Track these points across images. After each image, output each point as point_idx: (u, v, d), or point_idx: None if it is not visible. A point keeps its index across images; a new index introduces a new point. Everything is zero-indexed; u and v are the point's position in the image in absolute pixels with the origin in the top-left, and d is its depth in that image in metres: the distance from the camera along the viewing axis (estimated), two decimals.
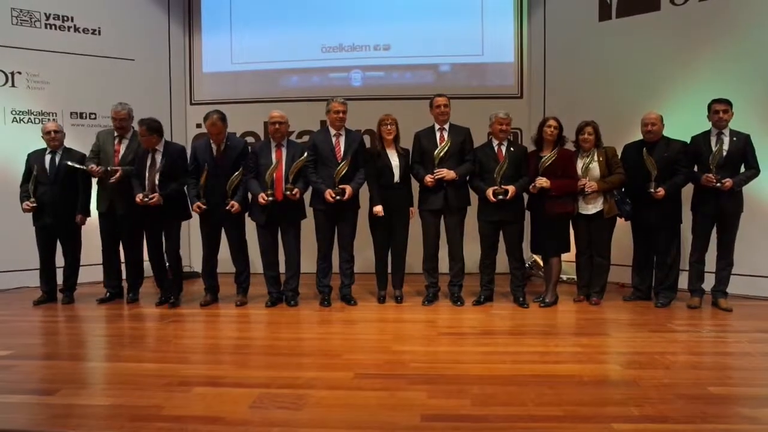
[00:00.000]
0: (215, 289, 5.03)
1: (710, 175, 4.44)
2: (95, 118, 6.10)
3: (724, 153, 4.50)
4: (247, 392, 2.88)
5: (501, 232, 4.81)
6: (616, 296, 5.11)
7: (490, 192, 4.62)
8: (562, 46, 6.27)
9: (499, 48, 6.67)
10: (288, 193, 4.63)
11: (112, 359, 3.54)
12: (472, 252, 5.06)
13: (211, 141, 4.83)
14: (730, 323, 4.31)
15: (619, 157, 4.81)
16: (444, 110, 4.81)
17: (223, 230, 4.92)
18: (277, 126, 4.68)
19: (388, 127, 4.82)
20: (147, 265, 5.10)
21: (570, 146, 4.86)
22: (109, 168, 4.90)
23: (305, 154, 4.72)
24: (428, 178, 4.72)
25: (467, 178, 4.85)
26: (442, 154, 4.73)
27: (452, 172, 4.70)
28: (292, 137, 6.47)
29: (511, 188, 4.60)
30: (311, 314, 4.62)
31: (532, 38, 6.53)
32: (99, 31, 6.18)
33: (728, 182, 4.42)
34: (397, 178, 4.82)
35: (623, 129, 5.31)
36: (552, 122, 4.70)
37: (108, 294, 5.14)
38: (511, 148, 4.74)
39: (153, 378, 3.11)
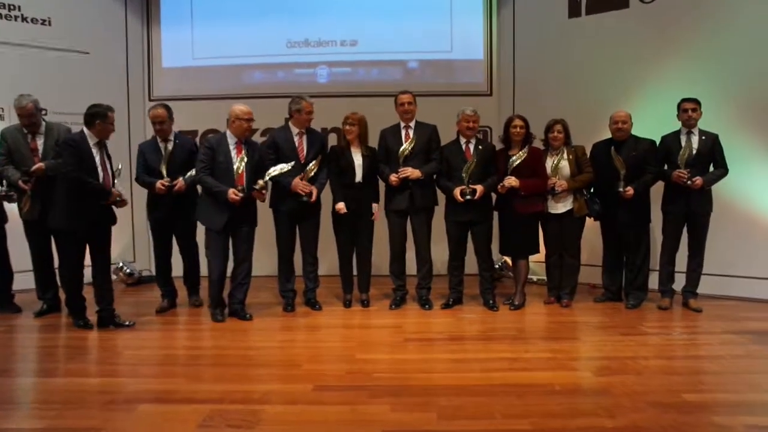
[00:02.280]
0: (172, 294, 4.78)
1: (682, 170, 4.38)
2: (45, 114, 5.76)
3: (694, 152, 4.45)
4: (198, 409, 2.68)
5: (469, 233, 4.67)
6: (587, 297, 5.03)
7: (457, 191, 4.48)
8: (532, 43, 6.16)
9: (468, 45, 6.53)
10: (256, 188, 4.27)
11: (51, 374, 3.28)
12: (440, 253, 4.93)
13: (158, 140, 4.59)
14: (701, 324, 4.25)
15: (588, 155, 4.72)
16: (408, 108, 4.65)
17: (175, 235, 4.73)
18: (248, 124, 4.38)
19: (347, 126, 4.65)
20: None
21: (538, 144, 4.76)
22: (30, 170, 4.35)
23: (292, 163, 4.39)
24: (393, 178, 4.56)
25: (434, 177, 4.70)
26: (407, 152, 4.58)
27: (417, 171, 4.55)
28: (256, 135, 6.31)
29: (479, 187, 4.46)
30: (273, 321, 4.41)
31: (502, 35, 6.41)
32: (49, 22, 5.85)
33: (698, 180, 4.37)
34: (359, 177, 4.63)
35: (592, 127, 5.22)
36: (517, 122, 4.58)
37: (44, 306, 4.60)
38: (480, 146, 4.61)
39: (95, 395, 2.88)
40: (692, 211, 4.48)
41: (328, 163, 4.69)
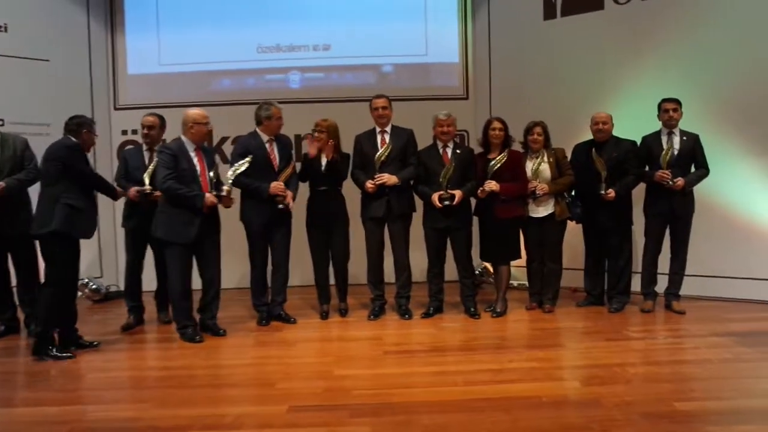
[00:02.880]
0: (140, 310, 4.55)
1: (665, 171, 4.32)
2: (2, 125, 5.50)
3: (675, 152, 4.39)
4: None
5: (448, 240, 4.54)
6: (569, 302, 4.92)
7: (435, 197, 4.34)
8: (508, 45, 6.08)
9: (444, 48, 6.42)
10: (224, 195, 4.04)
11: (5, 404, 3.03)
12: (419, 260, 4.78)
13: (144, 147, 4.47)
14: (686, 327, 4.17)
15: (569, 158, 4.64)
16: (383, 112, 4.52)
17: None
18: (206, 128, 4.20)
19: (315, 134, 4.54)
20: None
21: (517, 147, 4.66)
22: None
23: (249, 157, 4.21)
24: (369, 184, 4.42)
25: (411, 183, 4.56)
26: (383, 158, 4.44)
27: (394, 177, 4.41)
28: (227, 143, 6.13)
29: (458, 193, 4.33)
30: (246, 336, 4.20)
31: (477, 38, 6.32)
32: (5, 28, 5.58)
33: (680, 181, 4.31)
34: (324, 183, 4.52)
35: (571, 129, 5.14)
36: (496, 124, 4.48)
37: (2, 328, 4.30)
38: (458, 151, 4.49)
39: (51, 425, 2.66)
40: (674, 213, 4.41)
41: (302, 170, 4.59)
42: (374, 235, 4.56)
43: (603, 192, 4.40)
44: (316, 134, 4.54)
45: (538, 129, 4.52)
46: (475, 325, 4.35)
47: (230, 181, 4.10)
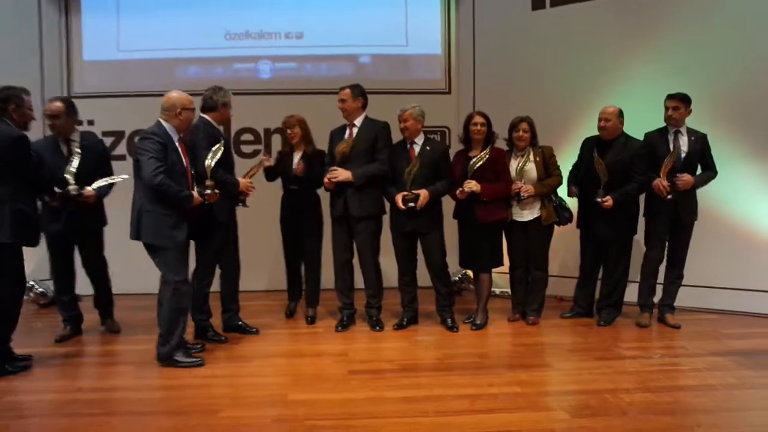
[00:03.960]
0: (77, 319, 4.09)
1: (664, 181, 3.91)
2: None
3: (683, 155, 4.01)
4: None
5: (420, 244, 4.15)
6: (554, 312, 4.54)
7: (399, 198, 3.95)
8: (493, 37, 5.70)
9: (425, 39, 6.03)
10: (209, 192, 3.54)
11: None
12: (393, 265, 4.37)
13: (59, 139, 3.90)
14: (681, 344, 3.81)
15: (579, 152, 4.29)
16: (342, 105, 4.15)
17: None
18: (193, 114, 3.69)
19: (289, 130, 4.36)
20: None
21: (502, 144, 4.27)
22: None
23: (221, 142, 3.74)
24: (324, 180, 4.10)
25: (380, 182, 4.13)
26: (347, 151, 4.07)
27: (348, 172, 4.00)
28: None
29: (422, 192, 3.94)
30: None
31: (461, 28, 5.93)
32: None
33: (685, 177, 3.93)
34: (295, 182, 4.32)
35: (559, 126, 4.80)
36: (478, 119, 4.09)
37: None
38: (427, 147, 4.08)
39: None
40: (678, 219, 4.04)
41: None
42: (336, 237, 4.21)
43: (599, 199, 4.03)
44: (288, 131, 4.36)
45: (524, 125, 4.13)
46: (452, 340, 3.95)
47: (210, 172, 3.58)
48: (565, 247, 4.55)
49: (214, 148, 3.63)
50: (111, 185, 3.91)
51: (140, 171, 3.31)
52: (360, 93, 4.18)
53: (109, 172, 3.98)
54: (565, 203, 4.24)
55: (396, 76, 5.99)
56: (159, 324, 3.39)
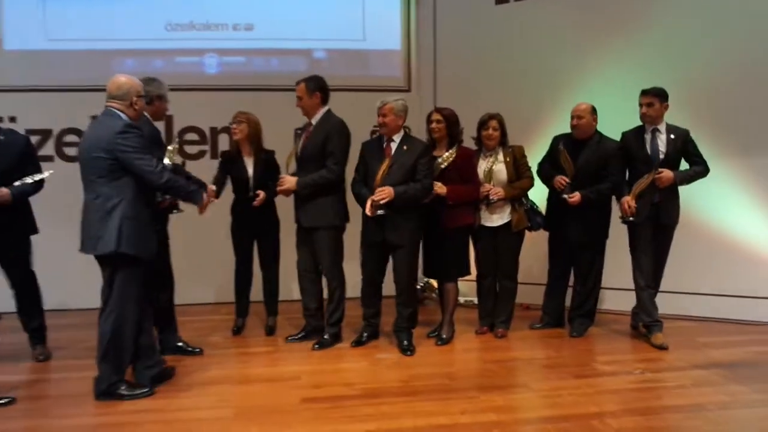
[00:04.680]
0: None
1: (632, 201, 3.65)
2: None
3: (661, 155, 3.73)
4: None
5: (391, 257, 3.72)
6: (522, 323, 4.24)
7: (368, 203, 3.50)
8: (455, 32, 5.42)
9: (384, 33, 5.69)
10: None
11: None
12: (355, 273, 4.02)
13: None
14: (661, 356, 3.57)
15: (547, 151, 4.00)
16: (300, 104, 3.77)
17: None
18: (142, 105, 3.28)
19: (234, 125, 4.00)
20: None
21: (470, 144, 3.96)
22: None
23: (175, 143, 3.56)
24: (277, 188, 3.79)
25: (352, 184, 3.76)
26: (290, 162, 3.80)
27: (294, 179, 3.67)
28: None
29: (386, 189, 3.45)
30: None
31: (421, 23, 5.63)
32: None
33: (664, 174, 3.63)
34: (250, 190, 3.95)
35: (526, 125, 4.52)
36: (435, 115, 3.77)
37: None
38: (404, 146, 3.63)
39: None
40: (660, 222, 3.75)
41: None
42: (300, 244, 3.87)
43: (566, 195, 3.77)
44: (233, 126, 3.98)
45: (493, 123, 3.83)
46: (416, 357, 3.59)
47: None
48: (530, 252, 4.27)
49: (170, 148, 3.32)
50: (36, 184, 3.42)
51: (116, 173, 2.80)
52: (317, 86, 3.76)
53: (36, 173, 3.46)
54: (537, 207, 3.97)
55: (353, 72, 5.63)
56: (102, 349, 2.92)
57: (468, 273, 3.97)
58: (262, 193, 3.90)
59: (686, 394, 2.92)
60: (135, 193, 2.84)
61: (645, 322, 3.83)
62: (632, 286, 3.97)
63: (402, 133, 3.68)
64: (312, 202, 3.68)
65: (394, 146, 3.63)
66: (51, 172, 3.48)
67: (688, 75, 4.35)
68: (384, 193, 3.42)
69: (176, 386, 3.13)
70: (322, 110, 3.76)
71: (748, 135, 4.29)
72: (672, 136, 3.73)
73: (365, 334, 3.84)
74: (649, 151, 3.71)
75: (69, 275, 4.35)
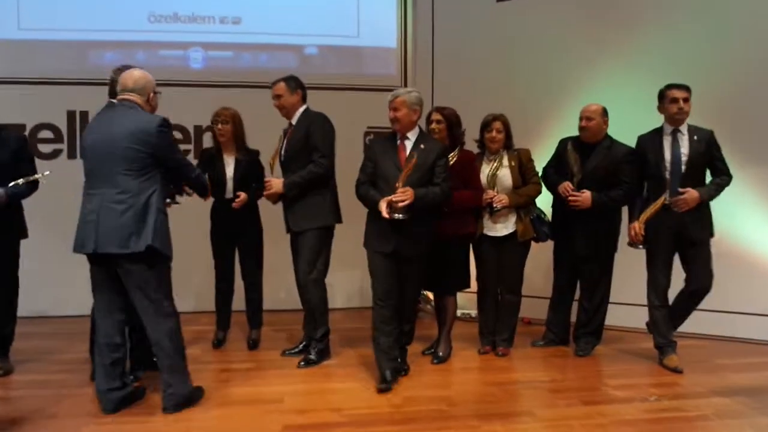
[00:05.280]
0: None
1: (639, 228, 3.37)
2: None
3: (684, 158, 3.41)
4: None
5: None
6: (524, 339, 3.94)
7: (383, 204, 2.98)
8: (454, 29, 5.15)
9: (379, 30, 5.43)
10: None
11: None
12: (341, 280, 3.72)
13: None
14: (675, 380, 3.29)
15: (553, 154, 3.74)
16: (280, 102, 3.53)
17: None
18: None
19: (219, 126, 3.76)
20: None
21: (472, 146, 3.68)
22: None
23: None
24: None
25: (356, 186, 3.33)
26: (281, 156, 3.52)
27: (280, 181, 3.41)
28: None
29: (407, 190, 2.97)
30: (91, 402, 2.94)
31: (418, 19, 5.37)
32: None
33: (688, 195, 3.30)
34: (229, 192, 3.72)
35: (528, 128, 4.24)
36: (436, 115, 3.49)
37: None
38: (422, 145, 3.16)
39: None
40: (686, 236, 3.41)
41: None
42: (293, 254, 3.60)
43: (572, 196, 3.53)
44: (219, 126, 3.76)
45: (497, 124, 3.55)
46: (411, 377, 3.29)
47: None
48: (532, 263, 3.99)
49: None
50: (31, 185, 3.21)
51: (147, 168, 2.70)
52: (297, 84, 3.54)
53: (31, 174, 3.23)
54: (545, 216, 3.68)
55: (345, 70, 5.37)
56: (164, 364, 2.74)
57: (468, 286, 3.68)
58: (242, 195, 3.64)
59: (710, 428, 2.64)
60: (160, 188, 2.74)
61: (658, 343, 3.54)
62: (642, 301, 3.70)
63: (417, 130, 3.23)
64: (300, 203, 3.41)
65: (408, 144, 3.18)
66: (48, 172, 3.23)
67: (694, 80, 4.09)
68: (407, 195, 2.97)
69: (146, 409, 2.81)
70: (301, 108, 3.54)
71: (763, 141, 4.04)
72: (695, 138, 3.41)
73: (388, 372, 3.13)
74: (668, 156, 3.40)
75: (35, 281, 4.03)
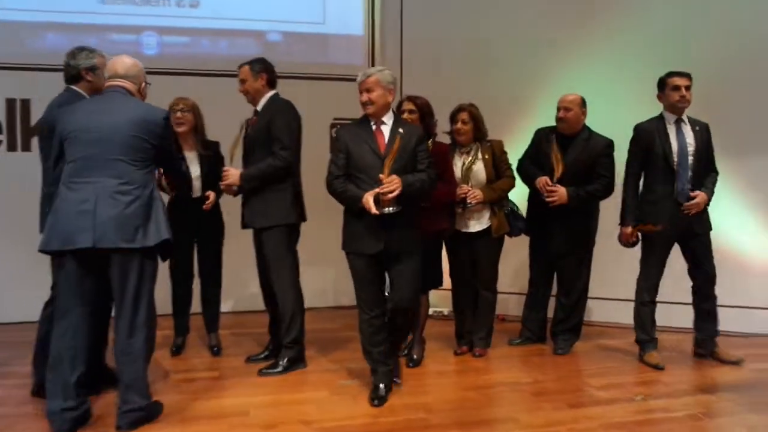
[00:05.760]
0: None
1: (632, 234, 3.31)
2: None
3: (690, 148, 3.29)
4: None
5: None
6: (500, 337, 3.78)
7: (369, 197, 2.64)
8: (424, 16, 4.95)
9: (345, 16, 5.19)
10: None
11: None
12: (312, 281, 3.50)
13: None
14: (658, 377, 3.20)
15: (529, 145, 3.57)
16: (244, 87, 3.28)
17: None
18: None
19: (179, 114, 3.44)
20: None
21: (444, 138, 3.50)
22: None
23: None
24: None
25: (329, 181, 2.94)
26: (234, 152, 3.28)
27: (237, 172, 3.17)
28: None
29: (393, 179, 2.64)
30: (35, 419, 2.64)
31: (387, 6, 5.15)
32: None
33: (699, 197, 3.25)
34: (197, 190, 3.43)
35: (501, 119, 4.05)
36: (408, 104, 3.27)
37: None
38: (400, 129, 2.81)
39: None
40: (689, 230, 3.31)
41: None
42: (256, 253, 3.36)
43: (548, 192, 3.39)
44: (178, 113, 3.44)
45: (463, 115, 3.35)
46: None
47: None
48: (505, 258, 3.85)
49: None
50: None
51: (148, 160, 2.55)
52: (262, 68, 3.27)
53: None
54: (518, 210, 3.52)
55: (310, 58, 5.12)
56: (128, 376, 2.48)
57: (441, 284, 3.49)
58: (212, 195, 3.38)
59: (701, 428, 2.54)
60: (154, 181, 2.61)
61: (640, 339, 3.43)
62: (622, 296, 3.61)
63: (392, 113, 2.90)
64: (260, 198, 3.16)
65: (386, 129, 2.83)
66: None
67: (671, 67, 4.01)
68: (394, 184, 2.63)
69: (100, 429, 2.53)
70: (269, 95, 3.27)
71: (740, 133, 3.98)
72: (696, 128, 3.33)
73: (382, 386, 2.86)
74: (675, 145, 3.28)
75: None
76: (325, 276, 4.71)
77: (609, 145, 3.46)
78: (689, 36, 4.06)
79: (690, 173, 3.26)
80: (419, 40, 4.96)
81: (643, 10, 4.19)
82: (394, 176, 2.65)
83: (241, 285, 4.37)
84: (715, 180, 3.37)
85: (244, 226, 3.29)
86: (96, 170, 2.42)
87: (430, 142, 3.28)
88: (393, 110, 2.95)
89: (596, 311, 4.18)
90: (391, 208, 2.67)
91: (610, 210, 3.56)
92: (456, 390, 3.06)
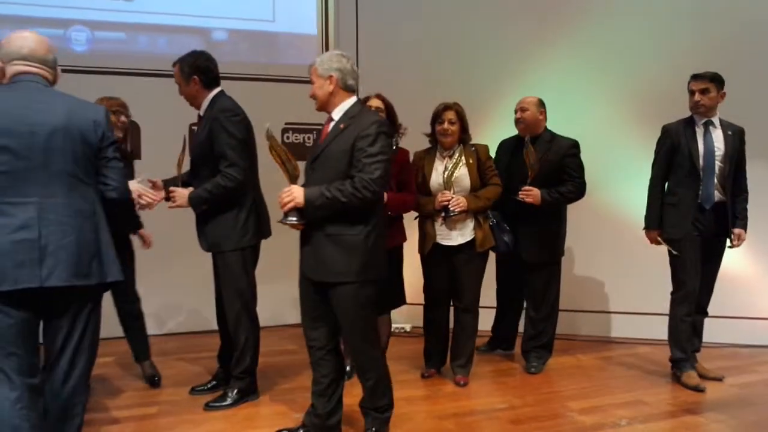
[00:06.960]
0: None
1: (656, 237, 3.19)
2: None
3: (718, 152, 3.11)
4: None
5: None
6: None
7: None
8: (380, 15, 4.73)
9: (297, 14, 4.89)
10: None
11: None
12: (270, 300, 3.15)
13: None
14: (639, 397, 3.02)
15: (495, 155, 3.36)
16: (180, 91, 2.89)
17: None
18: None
19: (123, 118, 3.11)
20: None
21: (416, 141, 3.24)
22: None
23: None
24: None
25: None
26: (186, 155, 2.91)
27: (186, 193, 2.75)
28: None
29: (290, 189, 2.28)
30: None
31: (341, 4, 4.90)
32: None
33: (740, 238, 3.16)
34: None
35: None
36: (374, 101, 3.03)
37: None
38: (341, 125, 2.37)
39: None
40: (715, 233, 3.16)
41: None
42: (215, 275, 2.99)
43: (521, 193, 3.19)
44: (123, 118, 3.10)
45: (449, 114, 3.08)
46: (352, 414, 2.76)
47: None
48: None
49: None
50: None
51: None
52: (192, 69, 2.81)
53: None
54: (503, 222, 3.24)
55: (259, 58, 4.80)
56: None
57: (404, 302, 3.22)
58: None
59: None
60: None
61: (676, 358, 3.20)
62: (590, 307, 3.45)
63: (349, 105, 2.40)
64: (212, 219, 2.79)
65: (332, 126, 2.41)
66: None
67: (639, 71, 3.94)
68: (286, 195, 2.27)
69: None
70: (210, 96, 2.84)
71: None
72: (729, 132, 3.16)
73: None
74: (701, 148, 3.11)
75: None
76: (287, 292, 4.36)
77: (574, 145, 3.32)
78: (653, 38, 4.01)
79: (716, 178, 3.11)
80: (375, 41, 4.73)
81: (607, 15, 4.11)
82: (293, 186, 2.28)
83: (190, 303, 3.99)
84: (746, 206, 3.20)
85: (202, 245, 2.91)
86: (32, 186, 1.87)
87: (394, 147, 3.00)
88: (359, 100, 2.50)
89: (564, 323, 4.00)
90: (293, 219, 2.27)
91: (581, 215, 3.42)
92: (428, 419, 2.77)
